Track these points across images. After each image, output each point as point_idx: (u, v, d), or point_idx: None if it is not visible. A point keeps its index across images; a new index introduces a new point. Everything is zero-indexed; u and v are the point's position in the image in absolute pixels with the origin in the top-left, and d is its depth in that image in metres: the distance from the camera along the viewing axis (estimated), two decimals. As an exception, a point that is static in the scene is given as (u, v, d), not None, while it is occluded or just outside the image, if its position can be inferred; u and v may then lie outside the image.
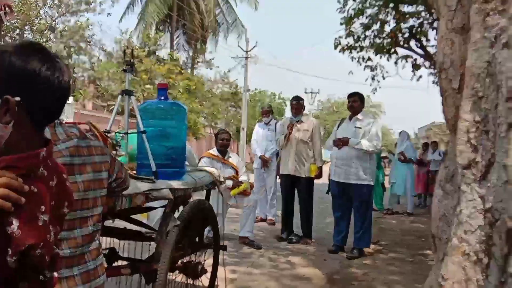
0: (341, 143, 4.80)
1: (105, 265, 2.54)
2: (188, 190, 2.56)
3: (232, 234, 5.33)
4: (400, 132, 9.43)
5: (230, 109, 23.93)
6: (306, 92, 38.03)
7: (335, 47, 9.11)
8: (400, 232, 6.54)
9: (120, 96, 2.45)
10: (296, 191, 5.43)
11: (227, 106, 22.96)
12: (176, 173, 2.54)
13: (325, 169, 6.06)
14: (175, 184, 2.40)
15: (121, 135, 2.46)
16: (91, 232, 1.49)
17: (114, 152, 2.28)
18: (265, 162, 6.36)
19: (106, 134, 2.23)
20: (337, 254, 4.77)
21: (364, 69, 9.29)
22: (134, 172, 2.46)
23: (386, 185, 9.02)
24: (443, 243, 1.71)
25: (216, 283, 3.07)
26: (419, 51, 8.44)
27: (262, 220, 6.51)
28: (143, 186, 2.16)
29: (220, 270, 3.07)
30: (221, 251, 3.08)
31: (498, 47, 1.44)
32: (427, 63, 8.52)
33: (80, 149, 1.48)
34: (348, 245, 4.91)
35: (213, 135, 5.86)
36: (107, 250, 2.65)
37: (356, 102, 4.96)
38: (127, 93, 2.43)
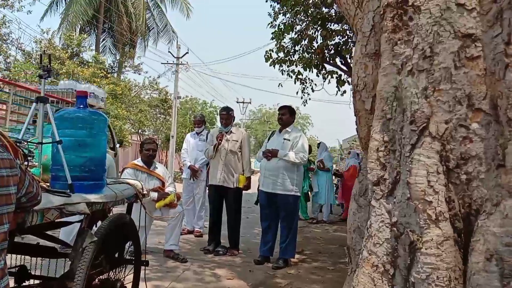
0: (270, 154, 4.90)
1: (11, 285, 2.35)
2: (107, 204, 2.44)
3: (156, 248, 5.18)
4: (318, 143, 10.07)
5: (159, 116, 23.40)
6: (238, 102, 38.40)
7: (266, 60, 9.30)
8: (324, 241, 6.78)
9: (34, 104, 2.28)
10: (224, 202, 5.42)
11: (156, 113, 22.42)
12: (94, 186, 2.40)
13: (255, 179, 6.12)
14: (93, 197, 2.28)
15: (34, 144, 2.30)
16: None
17: (25, 163, 2.12)
18: (194, 172, 6.28)
19: (17, 144, 2.07)
20: (263, 265, 4.82)
21: (295, 82, 9.58)
22: (48, 184, 2.30)
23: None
24: (357, 254, 1.81)
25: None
26: (344, 67, 8.88)
27: (189, 232, 6.41)
28: (57, 200, 2.01)
29: (142, 287, 2.95)
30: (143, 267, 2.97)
31: (404, 74, 1.55)
32: (350, 80, 8.98)
33: None
34: (274, 255, 4.99)
35: (140, 143, 5.67)
36: (17, 268, 2.45)
37: (285, 115, 5.10)
38: (41, 100, 2.26)
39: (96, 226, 2.47)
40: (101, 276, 2.49)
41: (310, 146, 5.85)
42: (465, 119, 1.52)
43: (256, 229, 6.55)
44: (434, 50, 1.53)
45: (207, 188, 6.12)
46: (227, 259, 5.01)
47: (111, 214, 2.61)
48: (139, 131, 20.04)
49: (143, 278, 2.98)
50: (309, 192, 9.28)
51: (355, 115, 1.90)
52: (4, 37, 14.50)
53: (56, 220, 2.16)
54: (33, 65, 13.97)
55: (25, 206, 1.66)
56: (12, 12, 15.71)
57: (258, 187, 5.30)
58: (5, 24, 14.53)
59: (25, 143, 2.16)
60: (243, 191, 5.44)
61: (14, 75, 12.56)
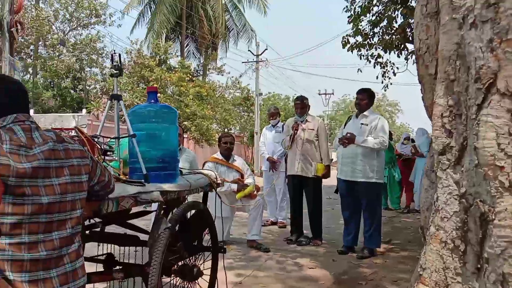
0: (346, 141, 4.73)
1: (100, 269, 2.55)
2: (181, 193, 2.54)
3: (241, 238, 5.31)
4: (417, 130, 9.32)
5: (243, 115, 23.97)
6: (319, 94, 37.88)
7: (343, 46, 9.02)
8: (414, 230, 6.39)
9: (109, 101, 2.46)
10: (304, 191, 5.37)
11: (240, 111, 23.00)
12: (168, 176, 2.53)
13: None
14: (166, 186, 2.39)
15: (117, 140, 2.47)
16: (69, 234, 1.50)
17: (104, 157, 2.29)
18: (273, 164, 6.33)
19: (94, 139, 2.25)
20: (347, 255, 4.69)
21: (374, 66, 9.19)
22: (127, 177, 2.46)
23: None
24: (430, 234, 1.66)
25: (217, 287, 3.04)
26: (427, 45, 8.31)
27: (273, 223, 6.47)
28: (132, 189, 2.15)
29: (223, 274, 3.03)
30: (222, 254, 3.05)
31: (466, 28, 1.38)
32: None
33: (57, 152, 1.49)
34: (359, 245, 4.83)
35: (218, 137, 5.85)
36: (104, 256, 2.66)
37: (363, 100, 4.86)
38: (115, 97, 2.43)
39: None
40: (180, 262, 2.61)
41: (390, 133, 5.54)
42: None
43: (341, 220, 6.40)
44: (499, -4, 1.34)
45: (287, 179, 6.12)
46: (310, 249, 4.96)
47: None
48: (225, 129, 20.73)
49: (224, 267, 3.07)
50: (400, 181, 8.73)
51: (419, 82, 1.74)
52: (99, 51, 15.93)
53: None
54: (126, 74, 15.14)
55: (99, 194, 1.78)
56: (105, 27, 17.24)
57: (336, 175, 5.15)
58: (100, 39, 15.96)
59: (101, 138, 2.32)
60: (324, 180, 5.34)
61: (110, 85, 13.68)
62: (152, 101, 2.59)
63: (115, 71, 2.43)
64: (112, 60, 2.43)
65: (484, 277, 1.27)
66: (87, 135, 2.17)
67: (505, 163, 1.27)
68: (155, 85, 14.52)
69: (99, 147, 2.23)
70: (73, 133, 2.40)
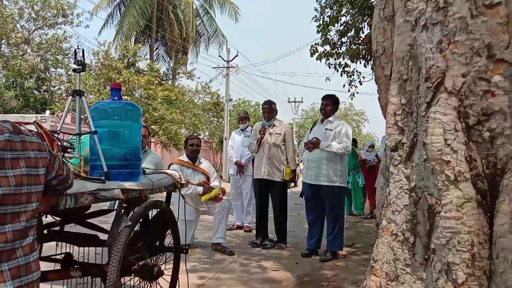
0: (311, 145, 4.81)
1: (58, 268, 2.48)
2: (143, 192, 2.51)
3: (205, 242, 5.28)
4: (382, 138, 9.58)
5: (213, 120, 23.91)
6: (289, 102, 38.27)
7: (312, 55, 9.18)
8: (377, 234, 6.54)
9: (70, 97, 2.41)
10: (270, 195, 5.40)
11: (209, 116, 22.92)
12: (130, 174, 2.50)
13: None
14: (128, 185, 2.36)
15: (78, 137, 2.42)
16: (23, 227, 1.46)
17: (63, 154, 2.24)
18: (240, 168, 6.35)
19: (54, 134, 2.19)
20: (310, 257, 4.75)
21: (341, 75, 9.38)
22: (87, 174, 2.41)
23: None
24: (386, 230, 1.71)
25: (179, 288, 3.01)
26: (393, 56, 8.56)
27: (239, 227, 6.47)
28: (91, 185, 2.11)
29: (185, 277, 3.01)
30: (185, 256, 3.02)
31: (418, 30, 1.45)
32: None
33: (13, 144, 1.45)
34: (322, 248, 4.90)
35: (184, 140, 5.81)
36: (63, 255, 2.60)
37: (328, 105, 4.97)
38: (77, 93, 2.39)
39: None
40: (140, 262, 2.57)
41: (356, 140, 5.67)
42: (486, 71, 1.39)
43: (306, 224, 6.46)
44: (448, 0, 1.41)
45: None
46: (274, 252, 4.99)
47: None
48: (194, 134, 20.59)
49: (186, 268, 3.04)
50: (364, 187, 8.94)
51: (376, 83, 1.81)
52: (65, 52, 15.53)
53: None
54: (92, 76, 14.82)
55: (56, 188, 1.75)
56: (72, 27, 16.82)
57: (302, 180, 5.22)
58: (66, 40, 15.57)
59: (62, 134, 2.27)
60: (292, 187, 5.40)
61: (75, 86, 13.32)
62: (116, 98, 2.56)
63: (78, 67, 2.39)
64: (75, 55, 2.39)
65: (430, 267, 1.33)
66: (46, 130, 2.12)
67: (451, 158, 1.34)
68: (122, 88, 14.30)
69: (59, 143, 2.18)
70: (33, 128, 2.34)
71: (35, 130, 2.13)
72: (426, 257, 1.36)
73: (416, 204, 1.43)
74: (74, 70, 2.40)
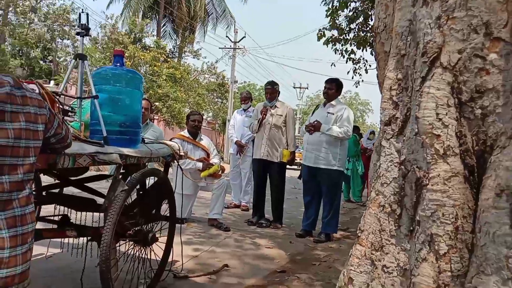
0: (312, 128, 4.83)
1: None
2: (141, 159, 2.55)
3: (202, 217, 5.36)
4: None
5: (217, 101, 23.86)
6: (294, 87, 38.10)
7: (319, 39, 9.08)
8: (372, 221, 6.60)
9: (73, 60, 2.42)
10: (268, 176, 5.45)
11: (213, 97, 22.88)
12: (129, 141, 2.52)
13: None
14: (126, 150, 2.39)
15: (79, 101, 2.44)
16: (20, 180, 1.49)
17: (63, 116, 2.26)
18: (240, 148, 6.38)
19: (55, 96, 2.21)
20: (304, 238, 4.81)
21: (347, 61, 9.31)
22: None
23: None
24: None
25: (174, 259, 3.08)
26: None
27: (236, 206, 6.54)
28: (90, 148, 2.14)
29: (183, 247, 3.07)
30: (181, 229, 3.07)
31: (418, 5, 1.46)
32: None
33: (13, 97, 1.47)
34: (317, 230, 4.96)
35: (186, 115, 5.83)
36: (60, 217, 2.64)
37: (331, 89, 4.96)
38: (80, 57, 2.39)
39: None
40: (135, 228, 2.62)
41: (358, 128, 5.67)
42: (482, 49, 1.39)
43: (303, 208, 6.52)
44: (449, -25, 1.41)
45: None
46: (269, 231, 5.06)
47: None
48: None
49: (181, 239, 3.10)
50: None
51: (375, 59, 1.81)
52: (72, 23, 15.46)
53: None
54: (99, 50, 14.78)
55: (55, 147, 1.77)
56: None
57: (301, 162, 5.25)
58: (74, 11, 15.47)
59: (63, 96, 2.29)
60: (292, 171, 5.43)
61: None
62: (118, 64, 2.57)
63: (81, 30, 2.39)
64: (79, 19, 2.40)
65: (415, 238, 1.36)
66: (48, 91, 2.14)
67: (441, 132, 1.35)
68: (127, 63, 14.26)
69: (60, 105, 2.20)
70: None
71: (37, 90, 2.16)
72: (411, 229, 1.39)
73: (404, 177, 1.46)
74: (78, 34, 2.40)
